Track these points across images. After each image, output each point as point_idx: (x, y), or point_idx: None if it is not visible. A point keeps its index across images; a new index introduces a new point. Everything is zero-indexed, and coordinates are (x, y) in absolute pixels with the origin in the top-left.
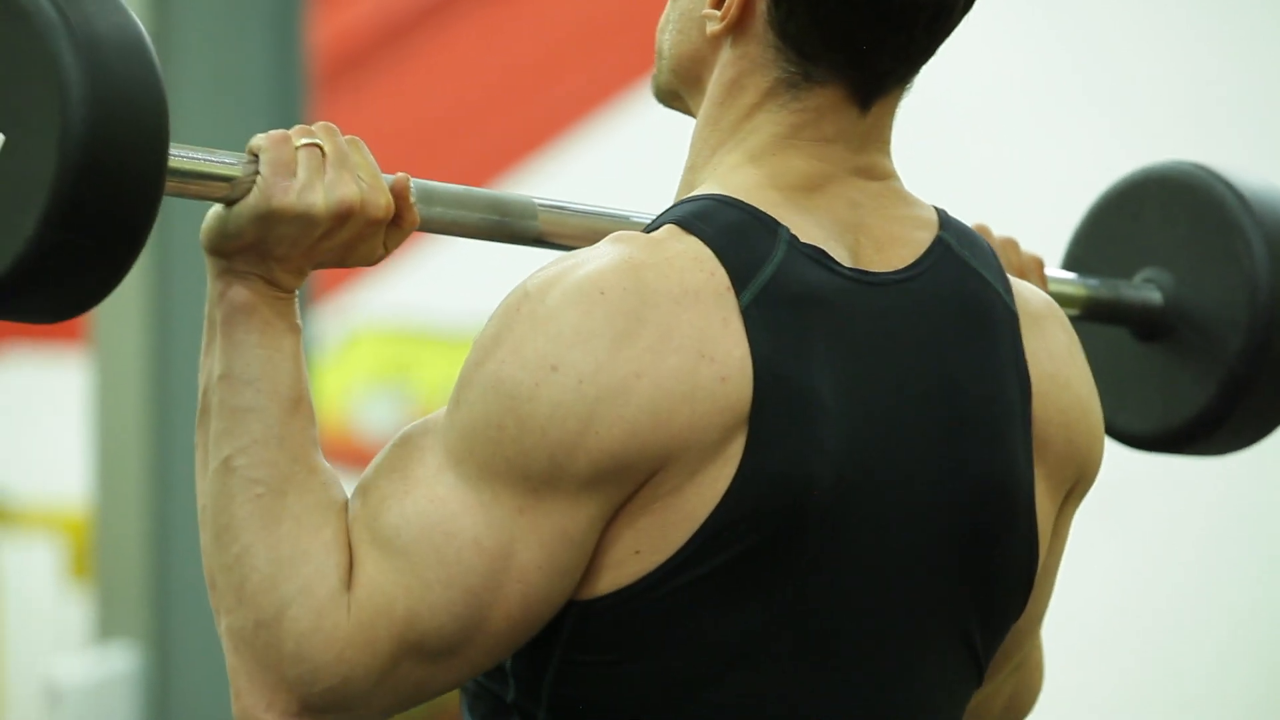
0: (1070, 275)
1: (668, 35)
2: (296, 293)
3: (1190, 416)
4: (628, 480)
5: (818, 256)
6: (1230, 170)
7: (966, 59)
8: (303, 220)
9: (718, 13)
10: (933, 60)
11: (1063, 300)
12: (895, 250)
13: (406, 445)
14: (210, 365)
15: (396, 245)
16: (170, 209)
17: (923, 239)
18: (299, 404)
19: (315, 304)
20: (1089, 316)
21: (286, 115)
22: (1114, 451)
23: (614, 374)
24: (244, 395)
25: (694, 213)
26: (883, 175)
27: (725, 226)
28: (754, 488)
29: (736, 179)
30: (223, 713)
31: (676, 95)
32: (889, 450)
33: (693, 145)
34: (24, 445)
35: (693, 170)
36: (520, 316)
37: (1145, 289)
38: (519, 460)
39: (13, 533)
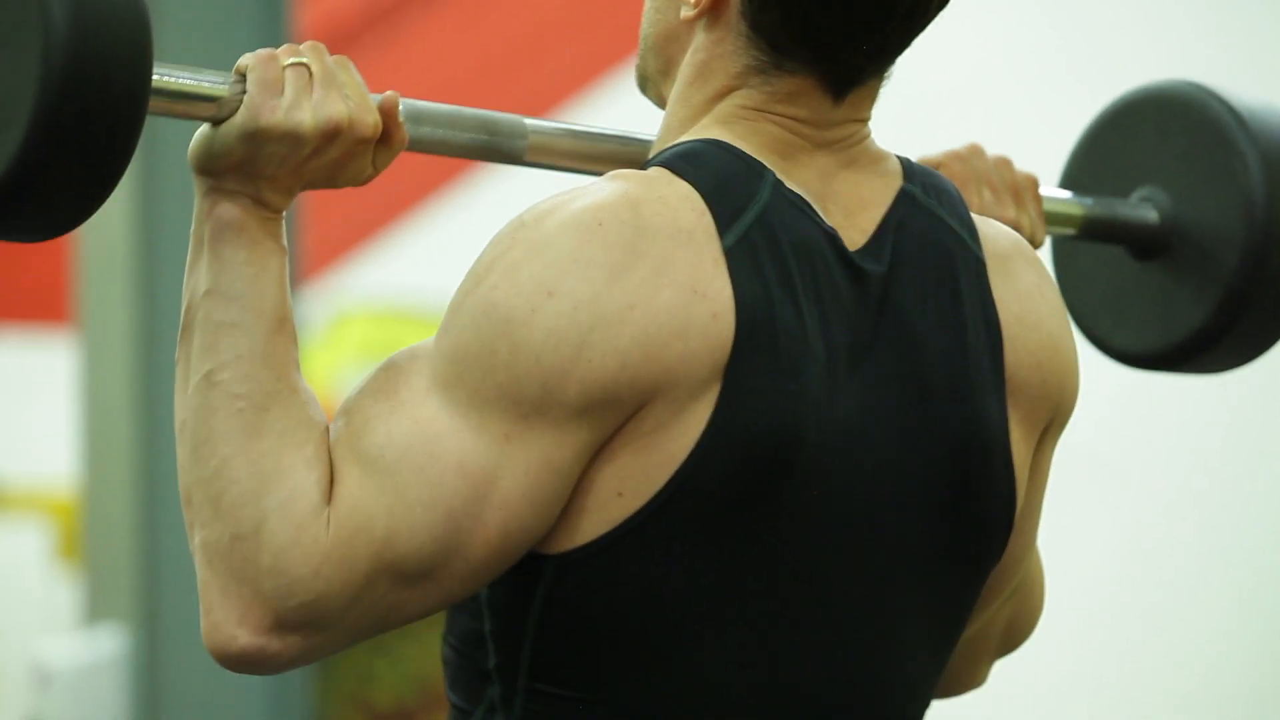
0: (1066, 194)
1: (648, 19)
2: (283, 214)
3: (1188, 334)
4: (615, 412)
5: (801, 205)
6: (1227, 89)
7: (954, 42)
8: (290, 139)
9: None
10: (920, 44)
11: (1059, 219)
12: (864, 214)
13: (393, 369)
14: (195, 281)
15: (385, 164)
16: (157, 192)
17: (888, 198)
18: (283, 323)
19: (304, 283)
20: (1086, 235)
21: None
22: (1112, 430)
23: (609, 304)
24: (229, 311)
25: (682, 154)
26: (855, 142)
27: (712, 168)
28: (733, 429)
29: (712, 134)
30: (212, 694)
31: (651, 80)
32: (866, 402)
33: (664, 122)
34: (12, 427)
35: (663, 143)
36: (516, 243)
37: (1142, 207)
38: (510, 386)
39: (1, 515)
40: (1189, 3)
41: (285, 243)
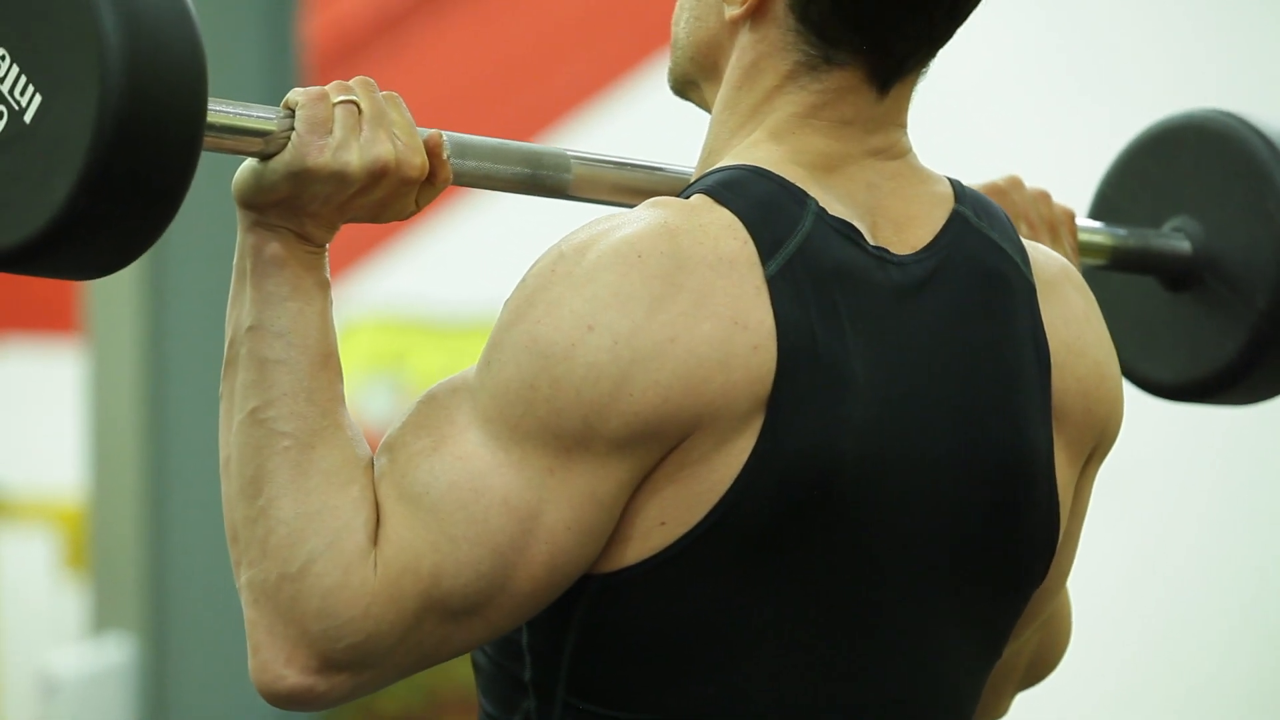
0: (1098, 225)
1: (683, 23)
2: (326, 247)
3: (1214, 368)
4: (657, 445)
5: (846, 231)
6: (1266, 122)
7: (961, 49)
8: (337, 179)
9: None
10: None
11: (1091, 250)
12: (913, 230)
13: (434, 404)
14: (239, 316)
15: (429, 201)
16: None
17: (939, 216)
18: (328, 359)
19: None
20: (1117, 266)
21: (272, 85)
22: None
23: (649, 337)
24: (274, 347)
25: (724, 182)
26: (899, 153)
27: (754, 197)
28: (776, 460)
29: (758, 154)
30: (219, 704)
31: (694, 84)
32: (911, 427)
33: (711, 129)
34: (20, 437)
35: (712, 153)
36: (556, 277)
37: (1174, 238)
38: (551, 420)
39: (8, 524)
40: (1194, 9)
41: (328, 275)
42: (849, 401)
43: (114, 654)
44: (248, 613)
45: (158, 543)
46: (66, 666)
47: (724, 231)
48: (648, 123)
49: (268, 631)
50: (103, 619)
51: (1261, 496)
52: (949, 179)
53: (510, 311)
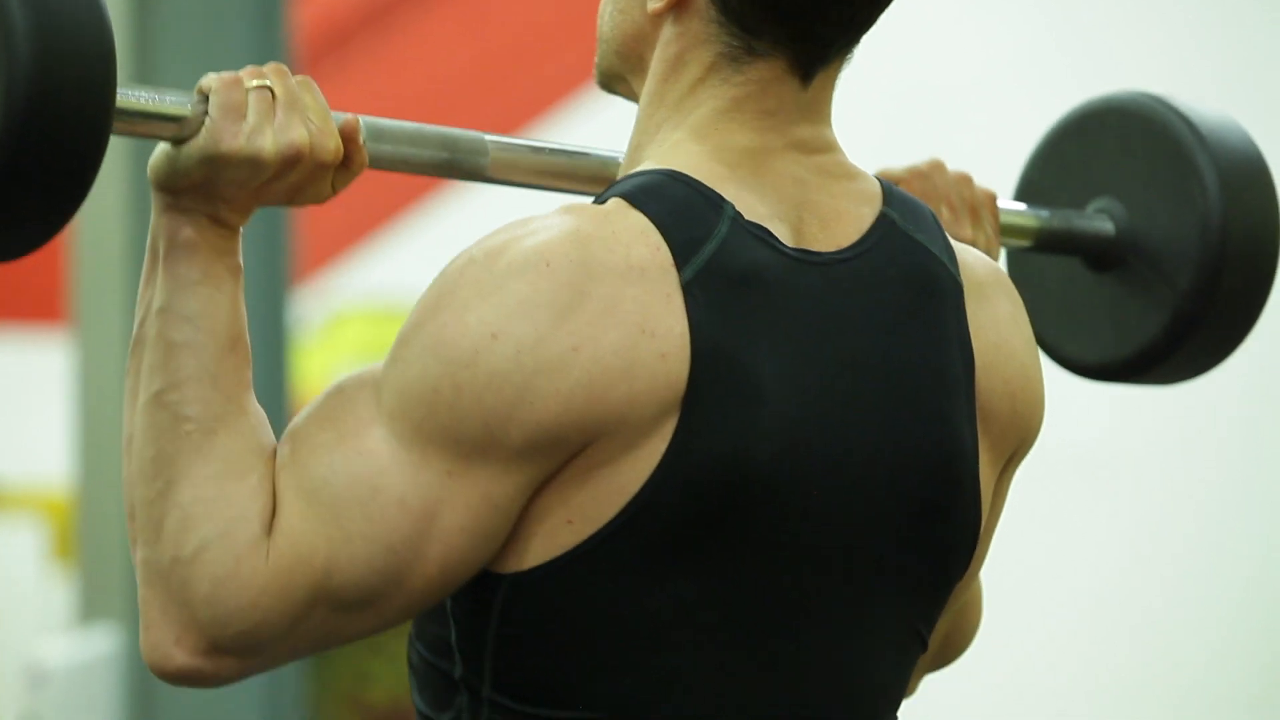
0: (1022, 207)
1: (608, 16)
2: (240, 231)
3: (1139, 347)
4: (559, 451)
5: (761, 234)
6: (1187, 104)
7: (960, 47)
8: (251, 164)
9: None
10: (923, 46)
11: (1015, 231)
12: (840, 227)
13: (341, 396)
14: (150, 296)
15: (345, 185)
16: (149, 193)
17: (866, 215)
18: (236, 343)
19: (299, 284)
20: (1041, 247)
21: None
22: (1111, 432)
23: (554, 346)
24: (182, 331)
25: (640, 187)
26: (825, 148)
27: (670, 202)
28: (688, 464)
29: (681, 155)
30: (206, 695)
31: (620, 78)
32: (831, 430)
33: (637, 124)
34: (7, 427)
35: (637, 149)
36: (465, 281)
37: (1098, 219)
38: (452, 425)
39: None
40: (1192, 8)
41: (240, 260)
42: (763, 406)
43: (102, 644)
44: (141, 590)
45: None
46: (54, 656)
47: (637, 238)
48: (632, 116)
49: (160, 611)
50: (90, 609)
51: (1259, 490)
52: (878, 179)
53: (420, 311)
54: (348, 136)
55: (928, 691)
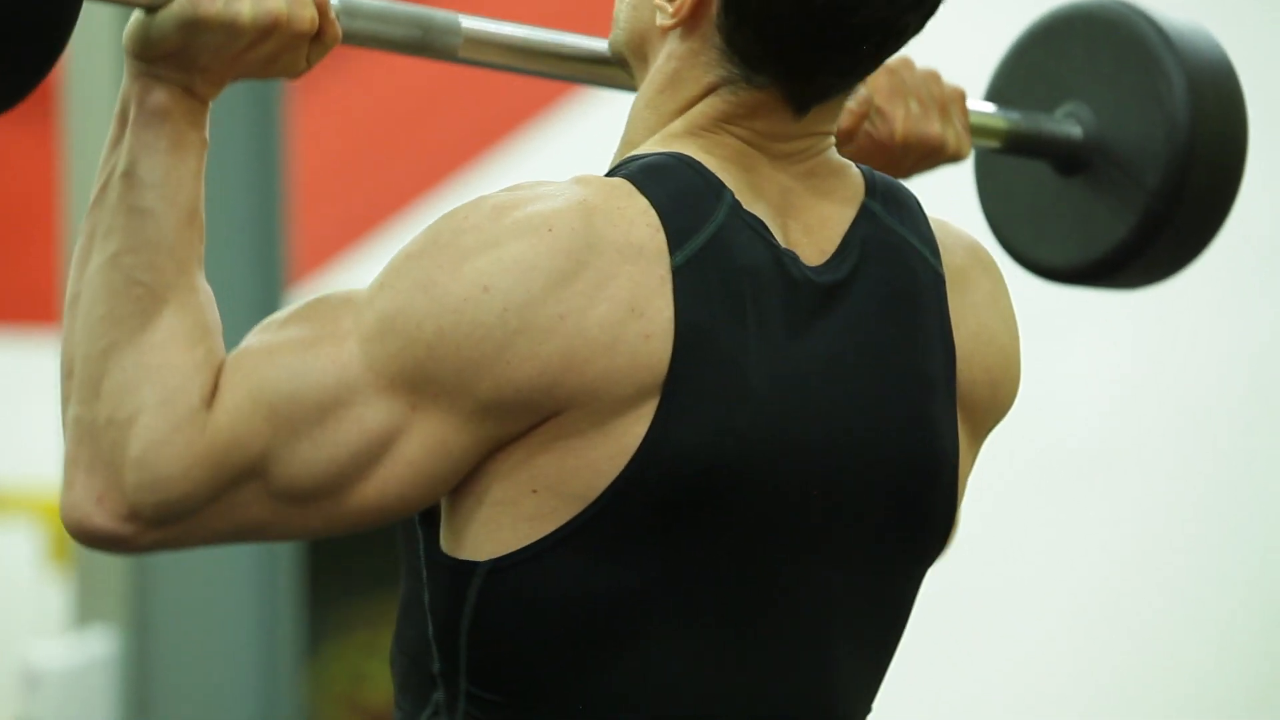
0: (991, 108)
1: (626, 4)
2: (209, 104)
3: (1106, 250)
4: (526, 414)
5: (757, 226)
6: (1155, 9)
7: (957, 46)
8: (227, 30)
9: (670, 6)
10: (921, 44)
11: (984, 132)
12: (824, 232)
13: (323, 304)
14: (114, 160)
15: (319, 59)
16: None
17: (849, 215)
18: (194, 217)
19: (295, 286)
20: (1010, 149)
21: (259, 97)
22: (1111, 431)
23: (541, 311)
24: (145, 197)
25: (647, 168)
26: (814, 154)
27: (674, 185)
28: (666, 452)
29: (677, 146)
30: (201, 697)
31: (625, 62)
32: (809, 424)
33: (630, 122)
34: (2, 429)
35: (629, 145)
36: (468, 228)
37: (1066, 123)
38: (427, 364)
39: None
40: (1188, 5)
41: (207, 135)
42: (746, 396)
43: (97, 647)
44: (67, 447)
45: None
46: (50, 659)
47: (639, 217)
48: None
49: (85, 470)
50: (86, 612)
51: (1259, 490)
52: (860, 168)
53: (420, 243)
54: (321, 9)
55: (927, 691)
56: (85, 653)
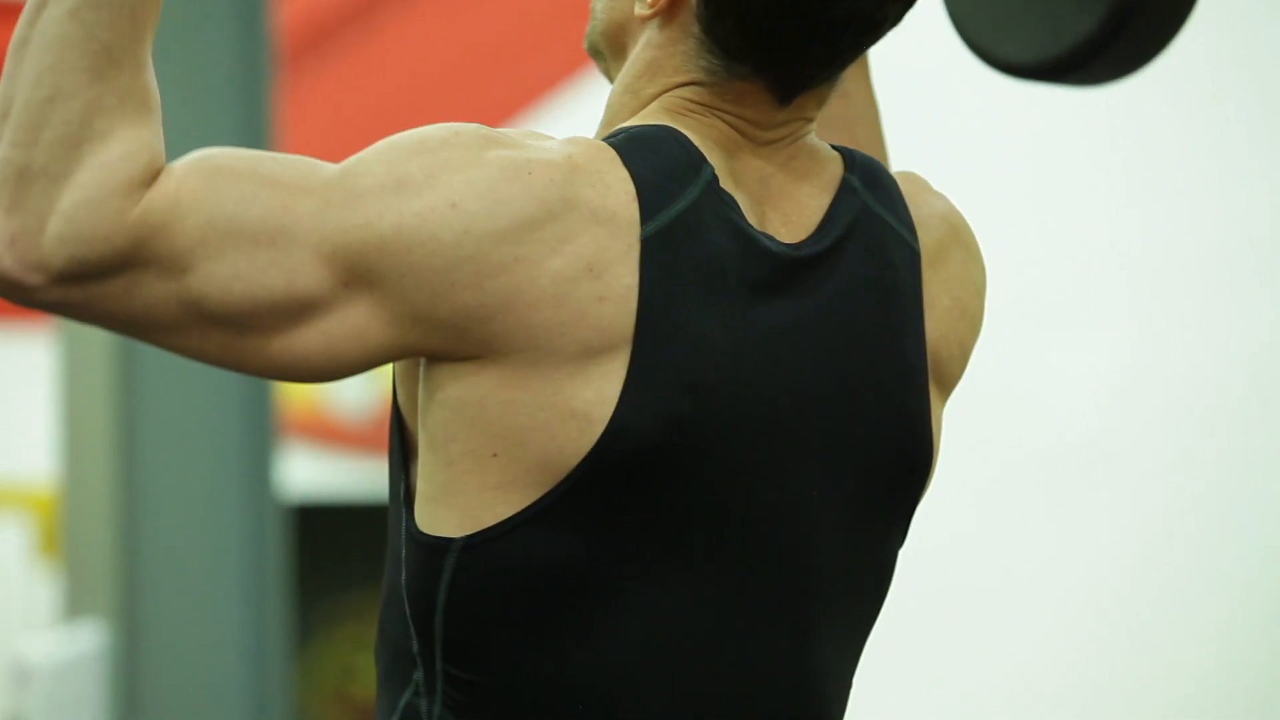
0: None
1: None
2: None
3: (1073, 43)
4: (455, 339)
5: (730, 203)
6: None
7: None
8: None
9: None
10: (907, 30)
11: None
12: (801, 216)
13: (299, 160)
14: None
15: None
16: None
17: (828, 196)
18: None
19: None
20: None
21: (252, 95)
22: (1111, 430)
23: (499, 245)
24: None
25: (635, 137)
26: (795, 139)
27: (657, 159)
28: (633, 422)
29: (670, 122)
30: (190, 691)
31: (601, 56)
32: (787, 401)
33: (609, 108)
34: None
35: (608, 127)
36: (458, 144)
37: None
38: (374, 253)
39: None
40: None
41: None
42: (708, 370)
43: (86, 641)
44: None
45: (130, 530)
46: (39, 654)
47: (618, 184)
48: None
49: (3, 211)
50: (75, 606)
51: (1259, 490)
52: (838, 148)
53: (407, 138)
54: None
55: (927, 690)
56: (75, 647)
